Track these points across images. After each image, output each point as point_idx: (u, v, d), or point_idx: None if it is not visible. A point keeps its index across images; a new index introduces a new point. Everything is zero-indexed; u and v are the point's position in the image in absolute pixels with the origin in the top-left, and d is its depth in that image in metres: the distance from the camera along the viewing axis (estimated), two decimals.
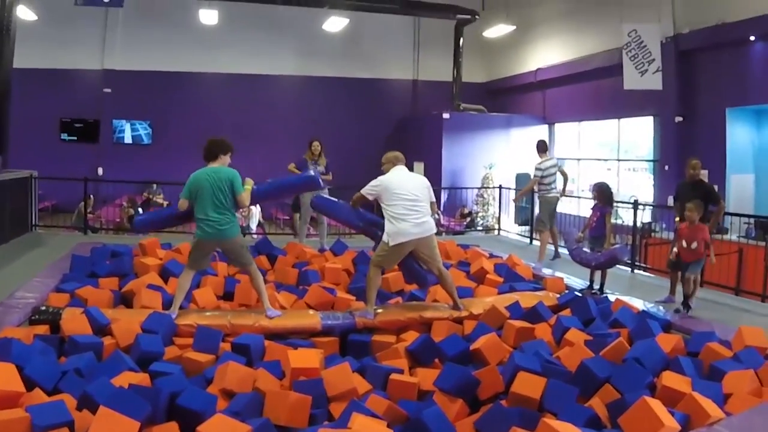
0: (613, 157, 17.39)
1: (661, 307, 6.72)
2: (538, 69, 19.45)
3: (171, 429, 3.76)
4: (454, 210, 18.10)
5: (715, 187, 7.79)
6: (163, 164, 18.76)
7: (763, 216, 11.06)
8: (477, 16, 19.20)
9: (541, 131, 19.18)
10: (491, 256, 9.05)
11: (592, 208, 7.78)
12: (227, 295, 6.77)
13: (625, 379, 4.36)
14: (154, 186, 17.98)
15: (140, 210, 14.66)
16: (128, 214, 14.75)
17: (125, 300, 6.38)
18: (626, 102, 15.23)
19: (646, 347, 4.84)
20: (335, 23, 18.43)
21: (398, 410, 4.22)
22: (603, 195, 7.67)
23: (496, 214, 14.34)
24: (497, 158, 18.65)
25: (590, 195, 8.55)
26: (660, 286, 7.76)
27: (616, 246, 7.65)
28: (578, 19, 17.55)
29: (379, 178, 6.31)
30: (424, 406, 4.24)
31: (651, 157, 15.72)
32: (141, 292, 6.18)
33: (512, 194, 13.31)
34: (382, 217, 6.22)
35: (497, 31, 18.52)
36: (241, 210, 6.21)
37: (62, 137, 19.84)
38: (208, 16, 17.55)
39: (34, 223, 10.56)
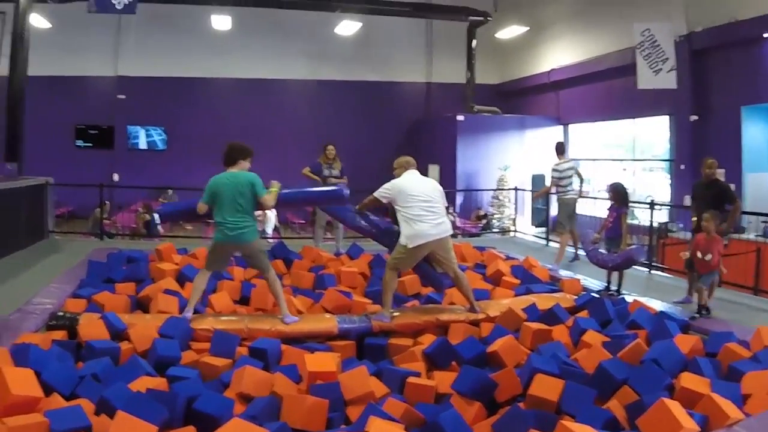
0: (628, 158, 17.30)
1: (678, 308, 6.66)
2: (552, 70, 19.37)
3: None
4: (470, 212, 18.03)
5: (732, 186, 7.71)
6: (177, 169, 18.94)
7: None
8: (489, 18, 19.16)
9: (555, 132, 19.11)
10: (507, 258, 9.03)
11: (608, 209, 7.75)
12: (243, 300, 6.78)
13: (643, 380, 4.33)
14: (170, 191, 18.09)
15: (156, 216, 14.73)
16: (144, 219, 14.83)
17: (142, 305, 6.41)
18: (640, 102, 15.13)
19: (664, 348, 4.80)
20: (347, 27, 18.50)
21: (415, 413, 4.21)
22: (618, 195, 7.66)
23: (512, 216, 14.27)
24: (512, 160, 18.56)
25: (606, 195, 8.50)
26: (677, 286, 7.69)
27: (633, 246, 7.59)
28: (590, 19, 17.51)
29: (392, 181, 6.32)
30: (441, 409, 4.24)
31: (667, 157, 15.60)
32: (157, 297, 6.21)
33: (528, 196, 13.24)
34: (396, 223, 6.20)
35: (510, 32, 18.51)
36: (257, 214, 6.18)
37: (77, 144, 20.01)
38: (221, 22, 17.69)
39: (50, 229, 10.63)
